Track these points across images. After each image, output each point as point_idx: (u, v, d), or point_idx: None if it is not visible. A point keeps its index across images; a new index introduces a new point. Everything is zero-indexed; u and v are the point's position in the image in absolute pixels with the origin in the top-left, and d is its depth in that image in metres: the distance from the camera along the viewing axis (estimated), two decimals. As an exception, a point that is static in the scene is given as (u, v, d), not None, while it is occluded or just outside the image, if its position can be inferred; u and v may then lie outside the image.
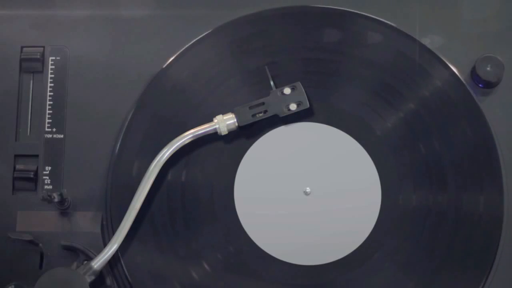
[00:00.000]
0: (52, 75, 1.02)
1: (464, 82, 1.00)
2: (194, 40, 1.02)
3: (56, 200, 0.96)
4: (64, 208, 0.98)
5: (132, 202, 0.95)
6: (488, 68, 0.99)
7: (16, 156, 1.00)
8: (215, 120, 0.98)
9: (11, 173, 1.00)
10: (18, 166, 1.00)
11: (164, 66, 1.02)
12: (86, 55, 1.03)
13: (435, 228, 0.96)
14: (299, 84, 0.99)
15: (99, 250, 0.95)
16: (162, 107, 1.00)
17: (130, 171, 0.98)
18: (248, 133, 1.00)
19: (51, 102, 1.01)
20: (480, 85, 1.00)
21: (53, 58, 1.03)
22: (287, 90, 0.99)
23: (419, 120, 0.99)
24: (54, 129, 1.01)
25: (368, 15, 1.02)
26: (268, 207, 0.98)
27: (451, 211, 0.96)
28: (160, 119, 1.00)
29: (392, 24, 1.02)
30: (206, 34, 1.02)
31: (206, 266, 0.97)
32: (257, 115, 0.99)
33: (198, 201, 0.98)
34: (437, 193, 0.97)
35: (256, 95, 1.00)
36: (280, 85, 0.99)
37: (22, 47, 1.03)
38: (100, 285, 0.96)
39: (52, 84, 1.02)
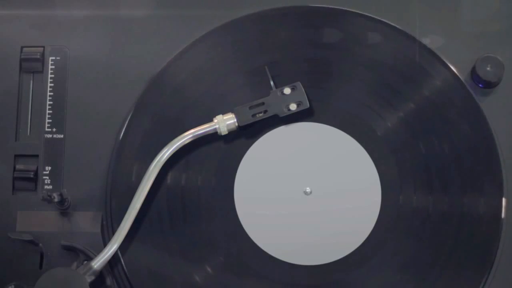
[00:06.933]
0: (52, 75, 1.02)
1: (464, 82, 1.00)
2: (194, 40, 1.02)
3: (56, 200, 0.96)
4: (64, 208, 0.98)
5: (132, 202, 0.95)
6: (488, 68, 0.99)
7: (16, 156, 1.00)
8: (215, 120, 0.98)
9: (11, 173, 1.00)
10: (18, 166, 1.00)
11: (164, 66, 1.01)
12: (86, 55, 1.03)
13: (435, 228, 0.96)
14: (299, 84, 0.99)
15: (99, 250, 0.95)
16: (162, 107, 1.00)
17: (130, 171, 0.98)
18: (248, 133, 1.00)
19: (51, 102, 1.01)
20: (480, 85, 1.00)
21: (53, 58, 1.03)
22: (287, 90, 0.99)
23: (419, 120, 0.99)
24: (54, 129, 1.01)
25: (368, 15, 1.02)
26: (268, 207, 0.98)
27: (451, 211, 0.96)
28: (160, 119, 1.00)
29: (392, 24, 1.02)
30: (206, 34, 1.02)
31: (206, 266, 0.97)
32: (257, 115, 0.99)
33: (198, 201, 0.98)
34: (437, 193, 0.97)
35: (256, 95, 1.00)
36: (280, 85, 0.99)
37: (22, 47, 1.03)
38: (100, 285, 0.96)
39: (52, 84, 1.02)
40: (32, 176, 1.00)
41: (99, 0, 1.04)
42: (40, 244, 0.97)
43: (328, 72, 1.01)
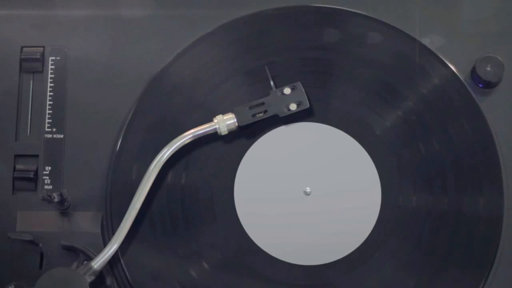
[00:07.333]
0: (52, 75, 1.02)
1: (464, 82, 1.00)
2: (194, 40, 1.02)
3: (56, 200, 0.96)
4: (64, 208, 0.98)
5: (132, 202, 0.95)
6: (488, 68, 0.99)
7: (16, 156, 1.00)
8: (215, 120, 0.98)
9: (11, 173, 1.00)
10: (18, 166, 1.00)
11: (164, 66, 1.02)
12: (86, 55, 1.03)
13: (435, 228, 0.96)
14: (299, 84, 0.99)
15: (99, 250, 0.95)
16: (162, 107, 1.00)
17: (130, 171, 0.98)
18: (248, 133, 1.00)
19: (51, 102, 1.01)
20: (480, 85, 1.00)
21: (53, 58, 1.03)
22: (287, 90, 0.99)
23: (419, 120, 0.99)
24: (54, 129, 1.01)
25: (368, 15, 1.02)
26: (268, 207, 0.98)
27: (451, 211, 0.96)
28: (160, 119, 1.00)
29: (392, 24, 1.02)
30: (206, 34, 1.02)
31: (206, 266, 0.97)
32: (257, 115, 0.99)
33: (198, 201, 0.98)
34: (437, 193, 0.97)
35: (256, 95, 1.00)
36: (280, 85, 0.99)
37: (22, 47, 1.03)
38: (100, 285, 0.96)
39: (52, 84, 1.02)
40: (32, 176, 1.00)
41: (99, 0, 1.04)
42: (40, 244, 0.97)
43: (328, 72, 1.01)
